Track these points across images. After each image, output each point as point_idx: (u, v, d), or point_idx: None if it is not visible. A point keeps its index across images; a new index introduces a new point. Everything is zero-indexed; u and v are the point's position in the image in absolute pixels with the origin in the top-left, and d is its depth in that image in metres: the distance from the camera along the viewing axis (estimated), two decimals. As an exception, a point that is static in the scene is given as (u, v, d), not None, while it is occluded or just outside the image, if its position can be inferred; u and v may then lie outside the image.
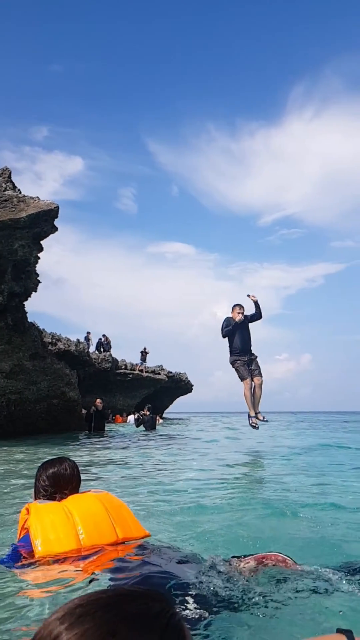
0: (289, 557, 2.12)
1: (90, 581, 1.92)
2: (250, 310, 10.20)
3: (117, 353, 29.40)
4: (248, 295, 10.29)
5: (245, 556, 2.11)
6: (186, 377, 35.91)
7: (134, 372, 29.72)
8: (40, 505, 2.22)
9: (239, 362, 9.94)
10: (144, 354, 30.84)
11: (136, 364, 30.36)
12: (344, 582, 2.23)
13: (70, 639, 0.52)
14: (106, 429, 17.33)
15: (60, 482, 2.39)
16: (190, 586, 1.84)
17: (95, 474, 6.25)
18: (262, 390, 10.09)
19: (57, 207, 12.38)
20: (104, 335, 28.18)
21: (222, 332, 10.16)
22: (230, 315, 10.19)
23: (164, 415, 34.65)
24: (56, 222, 12.82)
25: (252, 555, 2.11)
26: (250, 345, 10.18)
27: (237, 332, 10.02)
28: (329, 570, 2.20)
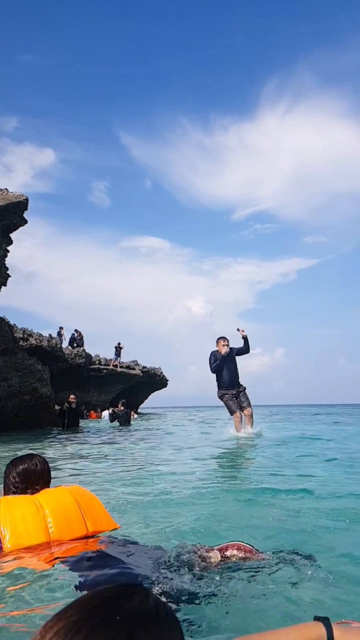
0: (251, 546, 2.12)
1: (52, 575, 1.89)
2: (236, 342, 10.26)
3: (91, 348, 29.15)
4: (238, 330, 10.36)
5: (210, 547, 2.10)
6: (161, 372, 35.92)
7: (108, 367, 29.53)
8: (10, 498, 2.21)
9: (227, 395, 9.99)
10: (118, 349, 30.65)
11: (110, 359, 30.15)
12: (314, 570, 2.24)
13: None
14: (80, 425, 17.15)
15: (31, 478, 2.38)
16: (155, 580, 1.81)
17: (68, 469, 6.16)
18: (252, 420, 10.18)
19: (27, 199, 12.10)
20: (76, 331, 27.86)
21: (210, 368, 10.15)
22: (215, 348, 10.20)
23: (139, 411, 34.58)
24: (26, 215, 12.54)
25: (216, 546, 2.11)
26: (238, 378, 10.20)
27: (224, 365, 10.04)
28: (296, 559, 2.21)
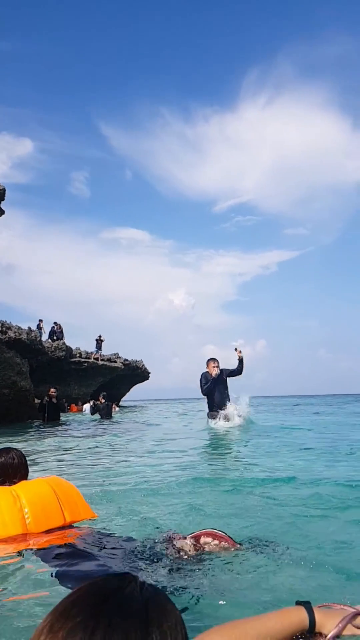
0: (224, 532, 2.12)
1: (26, 566, 1.85)
2: (228, 353, 10.25)
3: (71, 341, 28.88)
4: (235, 349, 10.25)
5: (184, 536, 2.10)
6: (143, 365, 35.86)
7: (89, 360, 29.33)
8: None
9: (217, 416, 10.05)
10: (99, 341, 30.45)
11: (91, 352, 29.95)
12: (292, 557, 2.25)
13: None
14: (61, 418, 17.01)
15: (8, 472, 2.38)
16: (131, 571, 1.79)
17: (48, 463, 6.09)
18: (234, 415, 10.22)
19: (4, 189, 11.84)
20: (55, 323, 27.55)
21: (201, 390, 10.10)
22: (205, 370, 10.14)
23: (120, 404, 34.51)
24: (4, 206, 12.27)
25: (190, 534, 2.10)
26: (228, 399, 10.20)
27: (215, 388, 10.02)
28: (273, 546, 2.22)
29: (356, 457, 5.61)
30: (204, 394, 10.13)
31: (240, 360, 10.06)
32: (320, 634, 1.13)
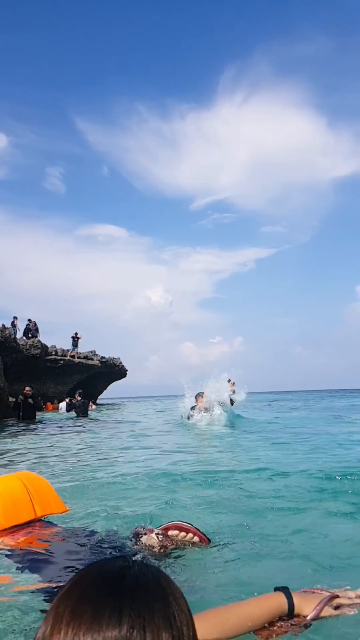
0: (189, 524, 2.10)
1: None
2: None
3: (47, 339, 28.47)
4: (228, 381, 10.54)
5: (151, 529, 2.08)
6: (120, 362, 35.63)
7: (65, 358, 28.97)
8: None
9: None
10: (75, 339, 30.10)
11: (67, 350, 29.58)
12: (263, 548, 2.26)
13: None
14: (37, 417, 16.74)
15: None
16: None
17: (23, 461, 5.97)
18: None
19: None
20: (30, 320, 27.09)
21: (188, 418, 10.27)
22: (194, 404, 10.33)
23: (97, 401, 34.23)
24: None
25: (158, 527, 2.08)
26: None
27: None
28: (243, 538, 2.22)
29: (326, 450, 5.69)
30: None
31: (232, 401, 10.38)
32: (299, 617, 1.18)
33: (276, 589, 1.23)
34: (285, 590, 1.22)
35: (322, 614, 1.18)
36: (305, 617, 1.17)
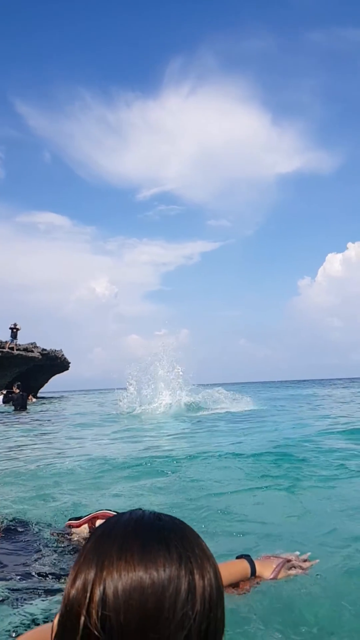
0: (116, 512, 2.00)
1: None
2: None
3: (-17, 330, 27.16)
4: None
5: (77, 518, 2.01)
6: (62, 355, 34.76)
7: (4, 350, 27.80)
8: None
9: None
10: (14, 330, 28.96)
11: (6, 342, 28.40)
12: (207, 525, 2.23)
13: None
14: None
15: None
16: (23, 561, 1.73)
17: None
18: None
19: None
20: (-33, 311, 25.74)
21: None
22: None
23: (39, 395, 33.21)
24: None
25: (84, 517, 2.01)
26: None
27: None
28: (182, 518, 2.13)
29: (263, 435, 5.77)
30: None
31: None
32: (260, 578, 1.43)
33: (238, 557, 1.45)
34: (247, 557, 1.44)
35: (280, 576, 1.45)
36: (265, 578, 1.43)
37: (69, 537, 1.97)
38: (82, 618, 0.47)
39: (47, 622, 1.43)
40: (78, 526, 1.97)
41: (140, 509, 0.57)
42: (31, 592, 1.54)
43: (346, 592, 1.56)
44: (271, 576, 1.43)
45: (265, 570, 1.44)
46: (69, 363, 36.19)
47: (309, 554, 1.57)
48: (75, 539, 1.95)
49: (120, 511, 1.99)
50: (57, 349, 34.23)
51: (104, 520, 1.79)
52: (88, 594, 0.48)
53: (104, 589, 0.48)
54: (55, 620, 0.52)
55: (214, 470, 3.67)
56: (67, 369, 36.79)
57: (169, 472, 3.64)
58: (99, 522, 1.96)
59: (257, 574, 1.42)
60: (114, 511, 2.02)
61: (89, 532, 1.92)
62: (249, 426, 7.15)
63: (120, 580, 0.48)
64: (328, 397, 16.97)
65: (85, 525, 1.95)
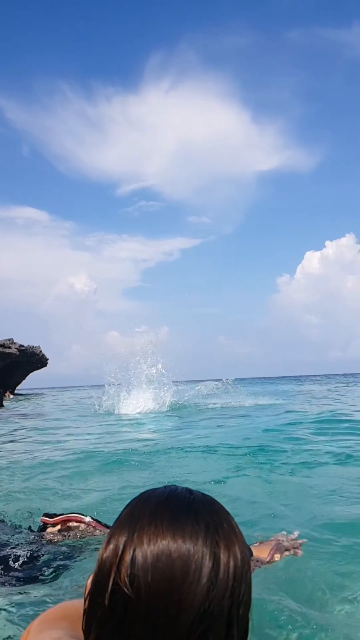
0: (81, 514, 2.02)
1: None
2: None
3: None
4: None
5: (52, 515, 2.02)
6: (40, 351, 34.32)
7: (-20, 346, 27.32)
8: None
9: None
10: (-9, 326, 28.45)
11: (-18, 338, 27.91)
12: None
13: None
14: None
15: None
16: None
17: None
18: None
19: None
20: None
21: None
22: None
23: (16, 391, 32.75)
24: None
25: (58, 515, 2.02)
26: None
27: None
28: None
29: (237, 431, 5.84)
30: None
31: None
32: (260, 562, 1.51)
33: None
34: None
35: (276, 558, 1.53)
36: (262, 561, 1.51)
37: (43, 534, 1.98)
38: (113, 575, 0.51)
39: (22, 616, 1.44)
40: (52, 524, 1.98)
41: (174, 484, 0.60)
42: (4, 584, 1.54)
43: (334, 570, 1.74)
44: (268, 558, 1.52)
45: (262, 553, 1.52)
46: (47, 359, 35.78)
47: (297, 532, 1.66)
48: (49, 537, 1.96)
49: (89, 514, 2.02)
50: (34, 345, 33.81)
51: (77, 524, 1.83)
52: (119, 555, 0.51)
53: (134, 551, 0.51)
54: (89, 580, 0.55)
55: (192, 463, 3.71)
56: (45, 366, 36.36)
57: (147, 465, 3.66)
58: (72, 524, 1.98)
59: (254, 557, 1.50)
60: (86, 515, 2.05)
61: (59, 531, 1.96)
62: (228, 421, 7.22)
63: (149, 544, 0.51)
64: (305, 393, 17.25)
65: (58, 526, 1.97)
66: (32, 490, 3.03)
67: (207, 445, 4.48)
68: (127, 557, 0.50)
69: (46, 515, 2.03)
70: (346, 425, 5.80)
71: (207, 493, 0.59)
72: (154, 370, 13.15)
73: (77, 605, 0.66)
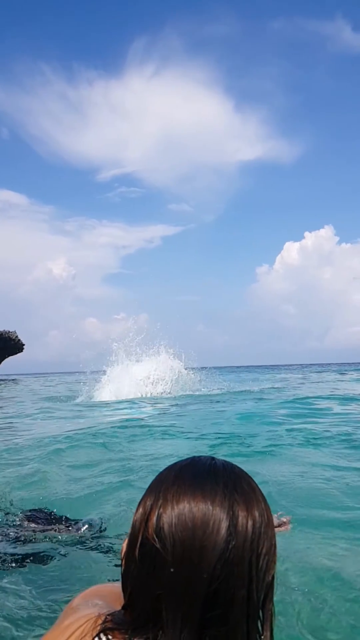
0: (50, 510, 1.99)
1: None
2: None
3: None
4: None
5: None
6: (16, 336, 33.86)
7: None
8: None
9: None
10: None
11: None
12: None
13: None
14: None
15: None
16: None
17: None
18: None
19: None
20: None
21: None
22: None
23: (-10, 377, 32.25)
24: None
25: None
26: None
27: None
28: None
29: (211, 419, 5.85)
30: None
31: None
32: None
33: None
34: None
35: None
36: None
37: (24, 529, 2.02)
38: (142, 531, 0.58)
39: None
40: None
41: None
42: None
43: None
44: None
45: None
46: (23, 345, 35.32)
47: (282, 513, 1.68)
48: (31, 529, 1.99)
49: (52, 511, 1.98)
50: (10, 330, 33.32)
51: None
52: (147, 514, 0.59)
53: (160, 509, 0.58)
54: (124, 544, 0.62)
55: (165, 448, 3.71)
56: (21, 351, 35.90)
57: (121, 449, 3.65)
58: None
59: None
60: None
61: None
62: (203, 407, 7.24)
63: (172, 502, 0.58)
64: (283, 381, 17.51)
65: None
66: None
67: (180, 431, 4.50)
68: (154, 515, 0.58)
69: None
70: (308, 410, 6.08)
71: None
72: (133, 358, 13.10)
73: (110, 586, 0.73)
